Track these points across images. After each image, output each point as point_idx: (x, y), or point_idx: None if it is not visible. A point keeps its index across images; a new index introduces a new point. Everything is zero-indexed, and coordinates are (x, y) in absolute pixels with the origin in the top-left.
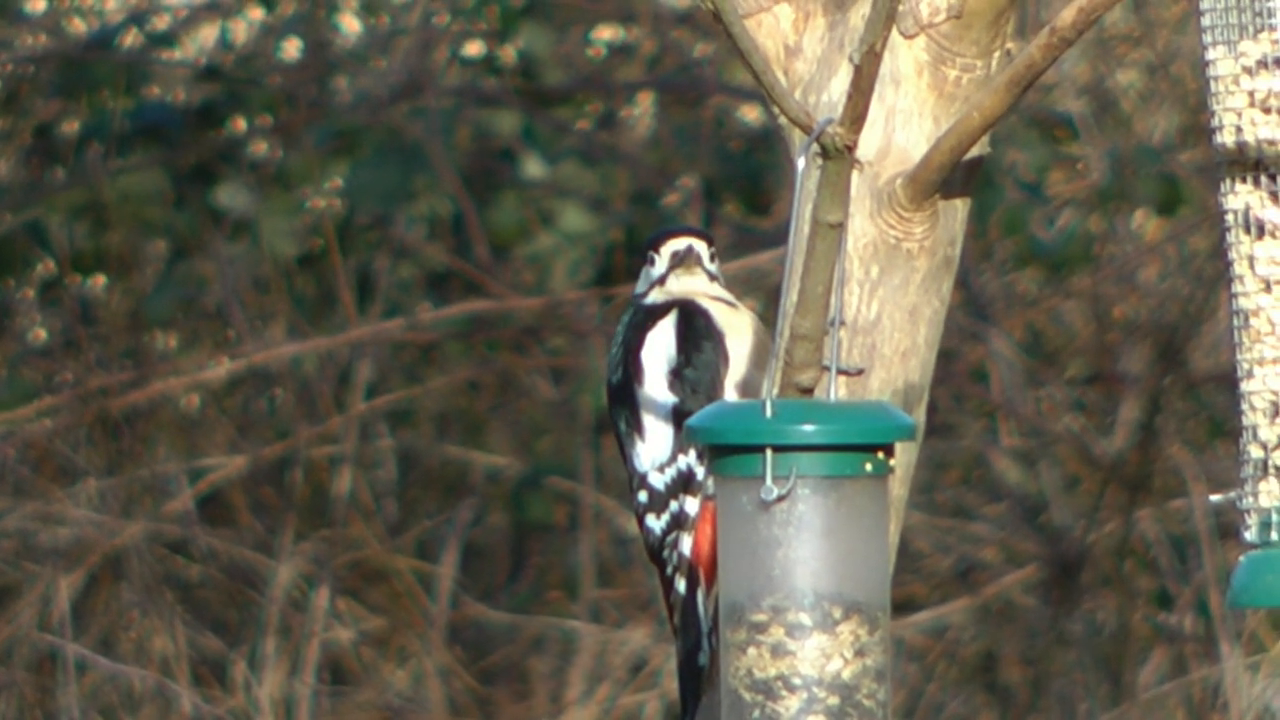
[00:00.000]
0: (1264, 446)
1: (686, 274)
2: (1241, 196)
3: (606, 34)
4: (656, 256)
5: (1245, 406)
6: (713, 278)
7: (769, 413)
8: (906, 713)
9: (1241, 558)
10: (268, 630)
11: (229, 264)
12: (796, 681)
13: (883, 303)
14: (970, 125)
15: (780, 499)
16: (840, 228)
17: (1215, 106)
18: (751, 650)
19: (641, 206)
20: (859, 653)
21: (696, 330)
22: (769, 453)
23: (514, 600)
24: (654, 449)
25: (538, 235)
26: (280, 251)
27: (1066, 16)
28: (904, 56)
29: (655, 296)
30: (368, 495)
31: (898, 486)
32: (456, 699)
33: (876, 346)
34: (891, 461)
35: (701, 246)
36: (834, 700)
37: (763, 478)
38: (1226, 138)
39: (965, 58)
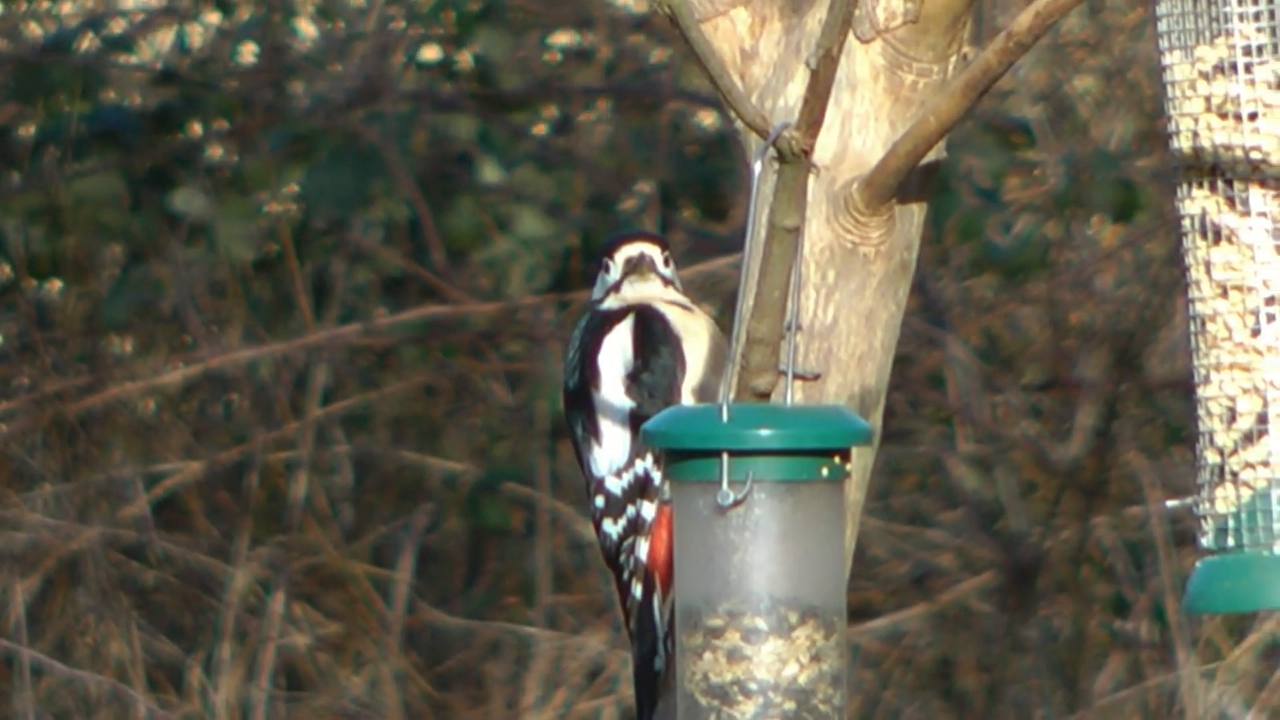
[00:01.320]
0: (1221, 452)
1: (640, 280)
2: (1198, 202)
3: (563, 39)
4: (611, 263)
5: (1202, 412)
6: (667, 282)
7: (725, 417)
8: (862, 719)
9: (1198, 563)
10: (224, 635)
11: (185, 268)
12: (752, 686)
13: (839, 307)
14: (926, 130)
15: (737, 504)
16: (797, 232)
17: (1172, 112)
18: (707, 655)
19: (598, 212)
20: (815, 658)
21: (654, 335)
22: (725, 457)
23: (470, 605)
24: (611, 454)
25: (494, 240)
26: (237, 256)
27: (1023, 21)
28: (860, 61)
29: (611, 302)
30: (324, 500)
31: (854, 491)
32: (413, 704)
33: (833, 351)
34: (848, 466)
35: (655, 252)
36: (790, 705)
37: (719, 482)
38: (1183, 143)
39: (921, 62)
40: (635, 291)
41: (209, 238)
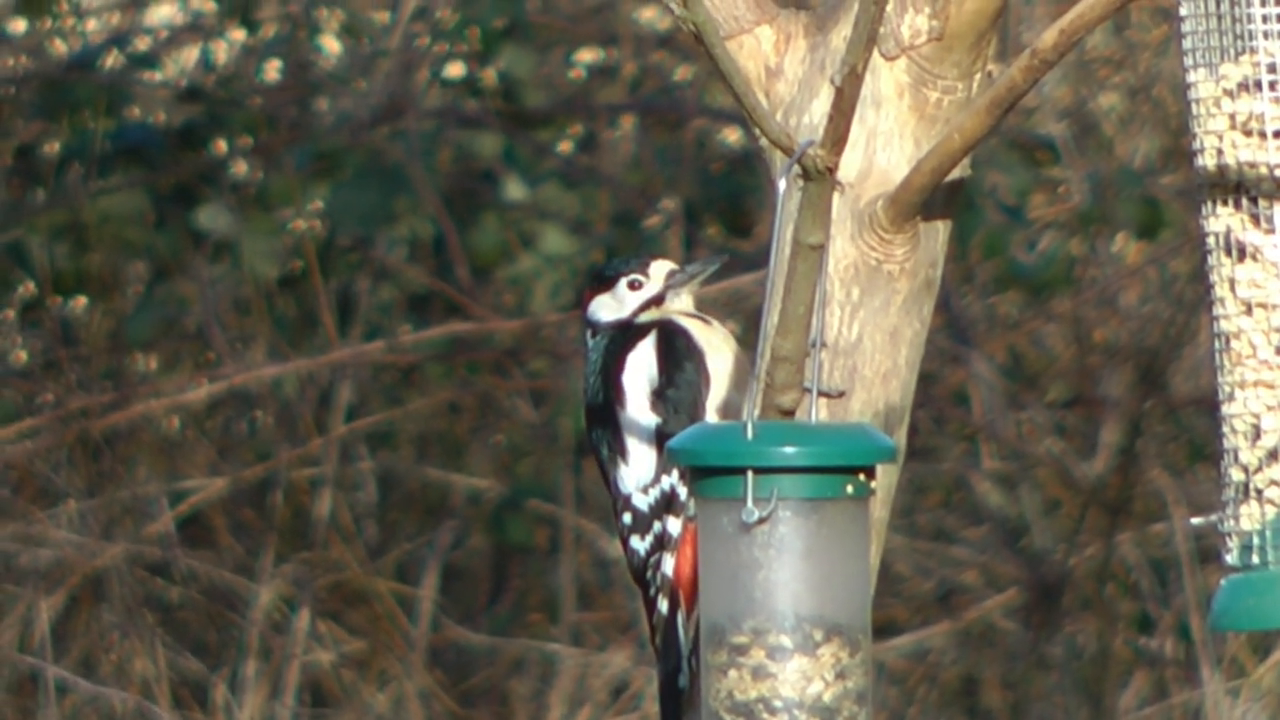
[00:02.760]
0: (1245, 469)
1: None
2: (1223, 219)
3: (588, 56)
4: (644, 279)
5: (1226, 429)
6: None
7: (750, 434)
8: None
9: (1223, 581)
10: (248, 652)
11: (210, 285)
12: (777, 704)
13: (864, 324)
14: (951, 147)
15: (761, 521)
16: (821, 249)
17: (1196, 129)
18: (732, 672)
19: (622, 229)
20: (840, 675)
21: (677, 350)
22: (750, 474)
23: (494, 623)
24: (637, 470)
25: (519, 257)
26: (261, 273)
27: (1048, 39)
28: (885, 78)
29: (647, 315)
30: (348, 517)
31: (879, 509)
32: None
33: (857, 368)
34: (872, 484)
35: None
36: None
37: (744, 499)
38: (1208, 160)
39: (946, 80)
40: (680, 302)
41: (233, 255)
